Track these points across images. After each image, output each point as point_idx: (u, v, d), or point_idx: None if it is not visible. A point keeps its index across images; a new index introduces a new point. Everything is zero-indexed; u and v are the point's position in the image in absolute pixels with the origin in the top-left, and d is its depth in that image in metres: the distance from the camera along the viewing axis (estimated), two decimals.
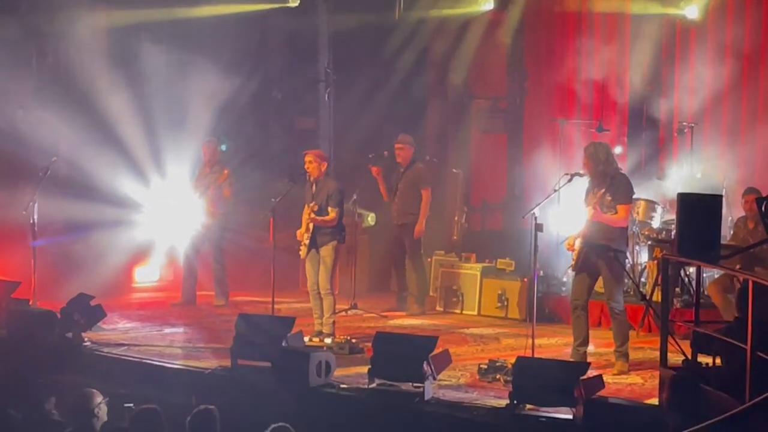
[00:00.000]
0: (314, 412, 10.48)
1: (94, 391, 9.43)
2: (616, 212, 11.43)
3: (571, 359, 11.48)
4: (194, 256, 15.54)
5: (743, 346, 8.41)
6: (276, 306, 13.46)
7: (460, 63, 18.28)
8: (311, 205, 13.01)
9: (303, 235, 13.07)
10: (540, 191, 14.54)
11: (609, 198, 11.38)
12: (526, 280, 14.63)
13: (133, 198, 16.31)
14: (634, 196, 14.01)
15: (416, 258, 15.20)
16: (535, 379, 9.73)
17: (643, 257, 14.56)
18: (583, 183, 12.11)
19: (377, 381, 10.51)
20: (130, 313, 14.90)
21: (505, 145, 18.33)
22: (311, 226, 12.99)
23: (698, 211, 9.50)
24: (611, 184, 11.50)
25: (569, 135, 16.24)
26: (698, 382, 9.13)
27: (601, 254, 11.44)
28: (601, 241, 11.43)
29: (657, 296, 12.91)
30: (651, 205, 14.52)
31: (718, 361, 9.51)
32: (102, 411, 9.29)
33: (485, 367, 11.22)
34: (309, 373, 10.63)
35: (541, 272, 14.46)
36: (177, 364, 11.95)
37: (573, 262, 11.74)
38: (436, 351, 10.51)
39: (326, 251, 13.07)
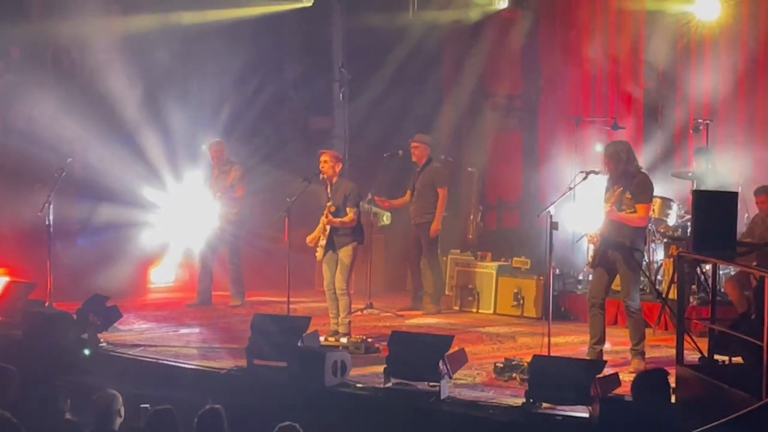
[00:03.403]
0: (330, 411, 10.49)
1: (115, 391, 9.47)
2: (635, 211, 11.40)
3: (588, 357, 11.46)
4: (210, 257, 15.55)
5: (759, 342, 8.38)
6: (291, 306, 13.44)
7: (475, 61, 18.27)
8: (328, 206, 12.98)
9: (313, 240, 13.05)
10: (555, 189, 14.52)
11: (629, 196, 11.32)
12: (541, 278, 14.61)
13: (148, 199, 16.35)
14: None
15: (432, 257, 15.19)
16: (552, 377, 9.71)
17: (659, 255, 14.52)
18: (598, 181, 12.07)
19: (393, 380, 10.51)
20: (145, 313, 14.93)
21: (521, 143, 18.31)
22: (328, 228, 12.97)
23: (714, 208, 9.47)
24: (631, 183, 11.45)
25: (584, 133, 16.22)
26: (665, 375, 9.16)
27: (618, 251, 11.41)
28: (618, 239, 11.40)
29: (673, 294, 12.88)
30: (666, 202, 14.46)
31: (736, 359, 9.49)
32: (122, 410, 9.33)
33: (501, 365, 11.21)
34: (325, 373, 10.63)
35: (557, 270, 14.45)
36: (193, 364, 11.96)
37: (590, 260, 11.71)
38: (451, 350, 10.50)
39: (345, 252, 13.02)
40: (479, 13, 18.01)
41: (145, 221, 16.25)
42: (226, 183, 15.25)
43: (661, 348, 12.43)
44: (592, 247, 11.82)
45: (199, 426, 8.74)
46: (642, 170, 11.87)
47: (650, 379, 9.17)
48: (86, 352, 12.29)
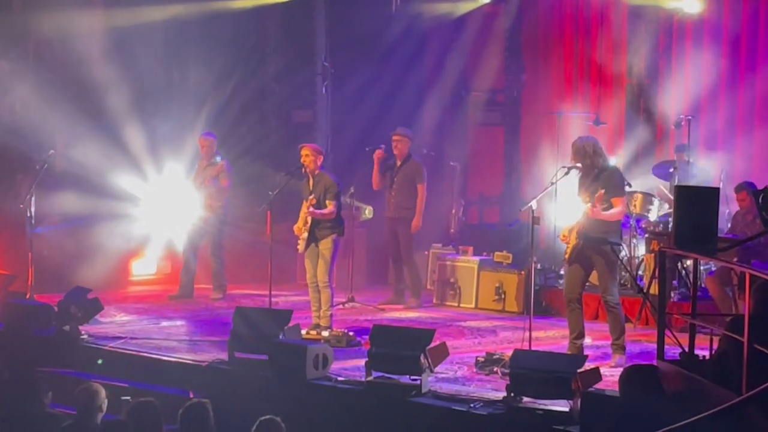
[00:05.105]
0: (311, 405, 10.49)
1: (99, 385, 9.45)
2: (611, 206, 11.39)
3: (568, 352, 11.47)
4: (192, 249, 15.53)
5: (740, 338, 8.41)
6: (273, 299, 13.44)
7: (458, 56, 18.27)
8: (309, 199, 12.97)
9: (300, 230, 13.04)
10: (537, 184, 14.55)
11: (602, 191, 11.32)
12: (523, 272, 14.63)
13: (130, 191, 16.32)
14: (631, 189, 14.04)
15: (409, 251, 15.18)
16: (532, 371, 9.72)
17: (641, 250, 14.54)
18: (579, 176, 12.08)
19: (374, 374, 10.51)
20: (127, 306, 14.89)
21: (503, 137, 18.31)
22: (309, 220, 12.96)
23: (695, 203, 9.48)
24: (599, 177, 11.43)
25: (566, 128, 16.22)
26: (654, 370, 9.19)
27: (597, 247, 11.41)
28: (597, 234, 11.39)
29: (654, 289, 12.91)
30: (648, 197, 14.49)
31: None
32: (104, 405, 9.31)
33: (482, 359, 11.23)
34: (306, 366, 10.63)
35: (539, 265, 14.46)
36: (174, 357, 11.94)
37: (566, 255, 11.69)
38: (433, 344, 10.51)
39: (325, 245, 13.02)
40: (462, 7, 18.02)
41: (127, 213, 16.21)
42: (212, 174, 15.26)
43: (642, 343, 12.47)
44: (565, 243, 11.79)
45: (184, 419, 8.73)
46: (611, 164, 11.88)
47: (639, 374, 9.18)
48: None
